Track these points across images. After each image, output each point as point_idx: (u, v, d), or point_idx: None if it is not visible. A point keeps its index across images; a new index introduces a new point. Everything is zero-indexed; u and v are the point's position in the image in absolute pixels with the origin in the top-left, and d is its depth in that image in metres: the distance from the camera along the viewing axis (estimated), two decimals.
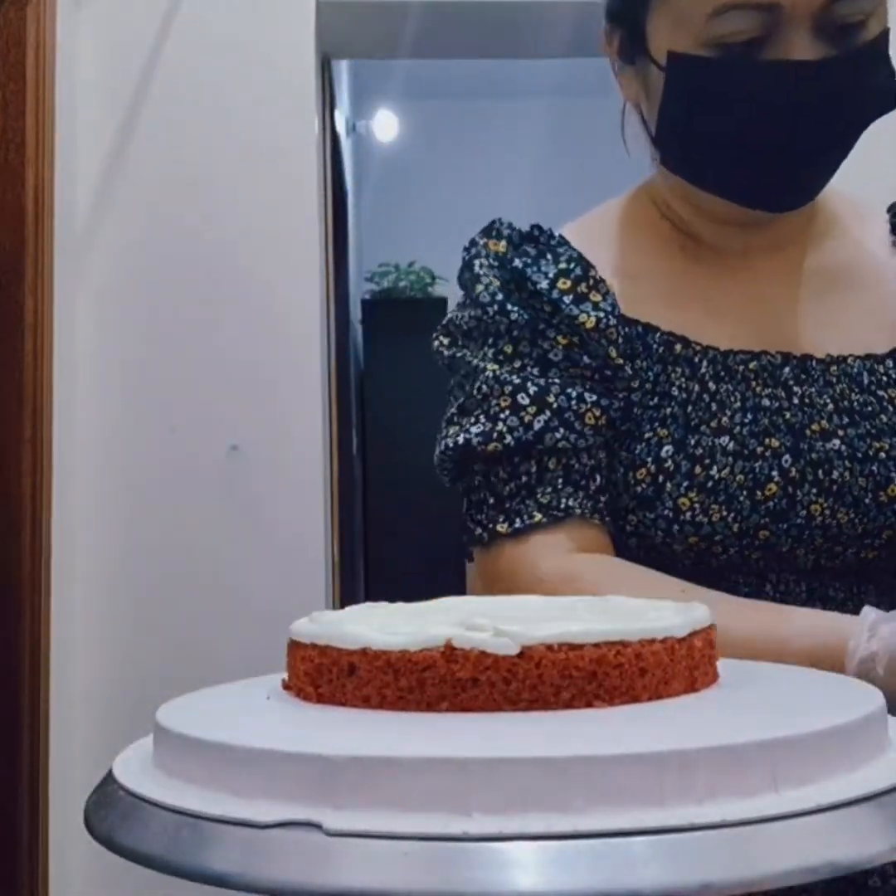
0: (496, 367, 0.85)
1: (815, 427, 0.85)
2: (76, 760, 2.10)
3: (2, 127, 1.98)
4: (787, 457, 0.83)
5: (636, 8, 0.85)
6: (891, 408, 0.87)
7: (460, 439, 0.84)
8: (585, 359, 0.85)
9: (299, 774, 0.38)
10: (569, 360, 0.85)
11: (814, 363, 0.88)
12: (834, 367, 0.88)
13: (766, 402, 0.85)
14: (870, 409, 0.86)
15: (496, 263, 0.89)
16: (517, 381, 0.83)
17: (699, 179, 0.88)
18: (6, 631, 1.90)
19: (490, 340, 0.86)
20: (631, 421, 0.85)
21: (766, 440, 0.83)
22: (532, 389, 0.83)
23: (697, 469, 0.82)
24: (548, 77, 4.35)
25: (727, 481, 0.82)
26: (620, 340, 0.85)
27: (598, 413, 0.83)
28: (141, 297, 2.26)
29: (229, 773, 0.39)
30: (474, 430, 0.83)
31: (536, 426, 0.82)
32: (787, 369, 0.87)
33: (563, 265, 0.87)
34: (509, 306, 0.86)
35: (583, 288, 0.86)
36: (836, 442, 0.84)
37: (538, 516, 0.82)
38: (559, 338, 0.85)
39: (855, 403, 0.86)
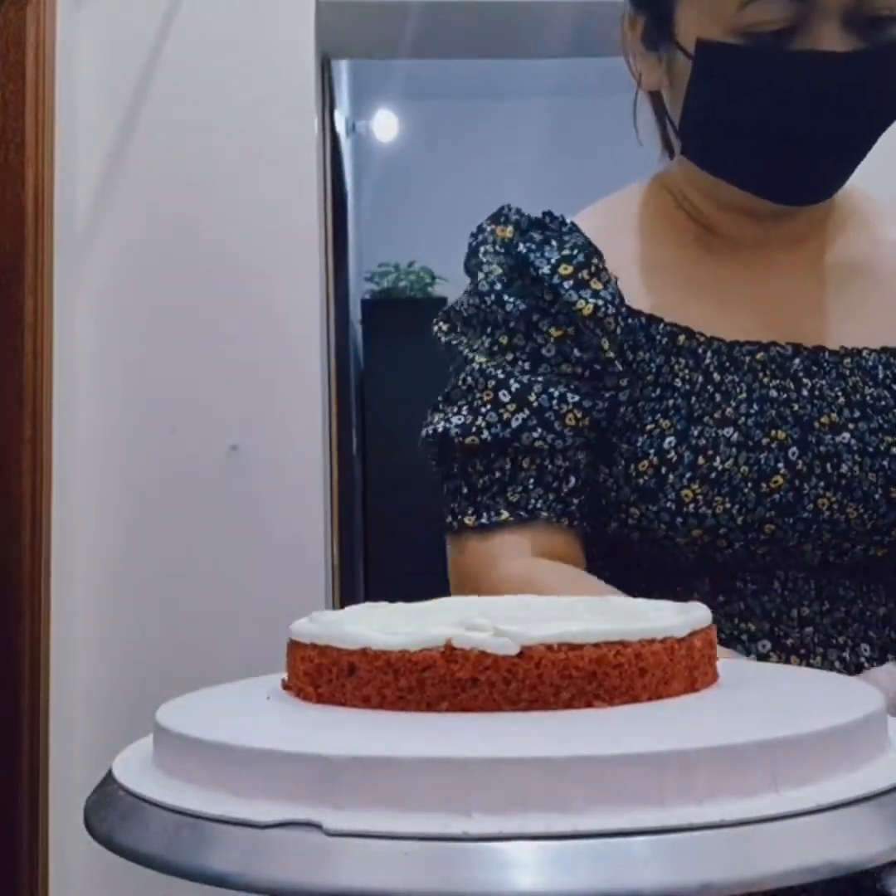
0: (484, 359, 0.86)
1: (824, 420, 0.84)
2: (76, 760, 2.10)
3: (2, 127, 1.98)
4: (793, 449, 0.82)
5: None
6: None
7: (440, 428, 0.85)
8: (576, 352, 0.85)
9: (299, 774, 0.38)
10: (560, 355, 0.85)
11: (826, 355, 0.87)
12: (847, 360, 0.87)
13: (773, 393, 0.84)
14: (883, 403, 0.85)
15: (502, 250, 0.89)
16: (501, 376, 0.84)
17: (721, 170, 0.87)
18: (6, 631, 1.90)
19: (487, 330, 0.87)
20: (630, 414, 0.85)
21: (773, 432, 0.82)
22: (514, 386, 0.84)
23: (700, 460, 0.82)
24: (548, 77, 4.35)
25: (731, 473, 0.81)
26: (618, 332, 0.85)
27: (579, 414, 0.83)
28: (141, 297, 2.26)
29: (229, 773, 0.39)
30: (455, 420, 0.84)
31: (514, 424, 0.83)
32: (797, 361, 0.86)
33: (566, 251, 0.87)
34: (506, 296, 0.86)
35: (584, 275, 0.86)
36: (846, 435, 0.83)
37: (505, 515, 0.83)
38: (552, 330, 0.85)
39: (868, 397, 0.85)
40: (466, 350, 0.87)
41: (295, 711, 0.47)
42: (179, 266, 2.27)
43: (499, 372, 0.84)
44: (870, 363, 0.87)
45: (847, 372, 0.86)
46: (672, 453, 0.82)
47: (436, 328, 0.91)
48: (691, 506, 0.81)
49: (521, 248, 0.88)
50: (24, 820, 1.89)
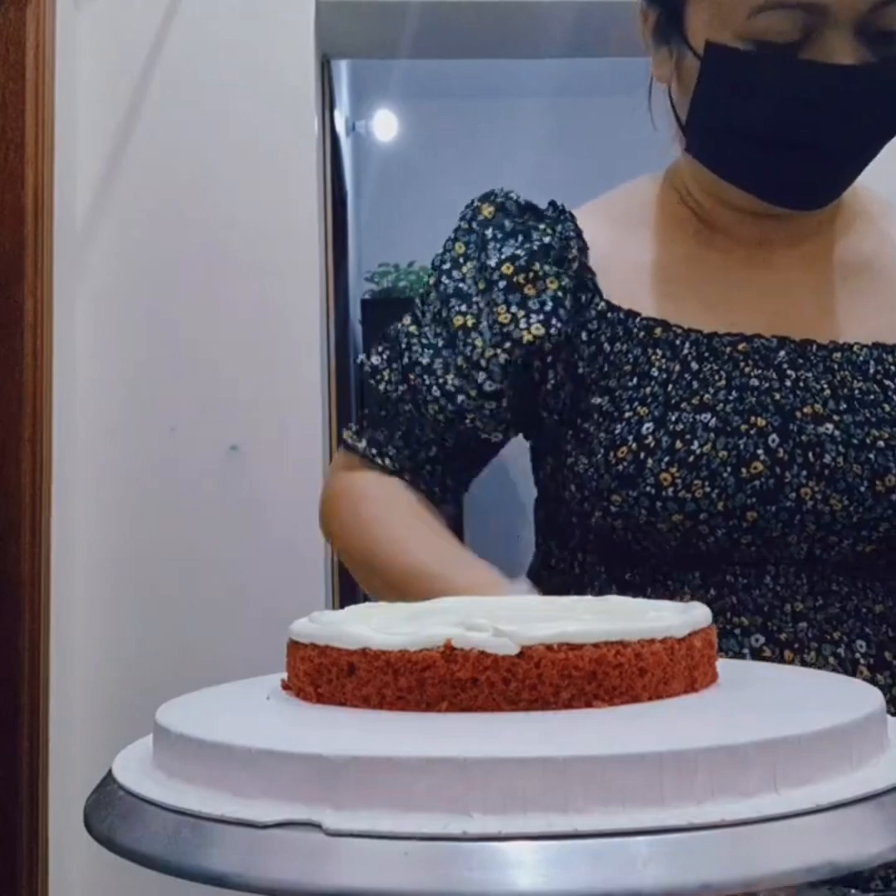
0: (409, 320, 0.93)
1: (807, 410, 0.84)
2: (76, 760, 2.10)
3: (1, 127, 1.98)
4: (773, 436, 0.82)
5: None
6: (895, 398, 0.86)
7: (359, 359, 0.95)
8: (478, 342, 0.89)
9: (299, 774, 0.38)
10: (450, 348, 0.90)
11: (814, 348, 0.87)
12: (837, 354, 0.87)
13: (754, 381, 0.85)
14: (872, 397, 0.85)
15: (477, 227, 0.93)
16: (403, 345, 0.91)
17: (723, 171, 0.88)
18: (6, 630, 1.90)
19: (417, 301, 0.93)
20: (610, 404, 0.86)
21: (751, 419, 0.83)
22: (407, 359, 0.91)
23: (678, 444, 0.82)
24: (548, 77, 4.35)
25: (709, 456, 0.81)
26: (519, 360, 0.88)
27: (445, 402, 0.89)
28: (141, 297, 2.26)
29: (229, 773, 0.39)
30: (373, 360, 0.93)
31: (403, 388, 0.91)
32: (782, 353, 0.86)
33: (516, 251, 0.90)
34: (444, 277, 0.92)
35: (520, 279, 0.88)
36: (830, 426, 0.83)
37: (363, 445, 0.93)
38: (456, 319, 0.89)
39: (856, 391, 0.85)
40: (407, 315, 0.94)
41: (295, 711, 0.47)
42: (179, 266, 2.27)
43: (403, 339, 0.92)
44: (860, 358, 0.87)
45: (835, 366, 0.86)
46: (650, 439, 0.83)
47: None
48: (670, 490, 0.81)
49: (487, 232, 0.91)
50: (24, 820, 1.89)
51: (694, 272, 0.90)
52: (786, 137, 0.81)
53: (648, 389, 0.85)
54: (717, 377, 0.85)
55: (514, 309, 0.88)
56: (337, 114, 3.04)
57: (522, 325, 0.87)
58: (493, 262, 0.89)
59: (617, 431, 0.84)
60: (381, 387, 0.92)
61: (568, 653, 0.43)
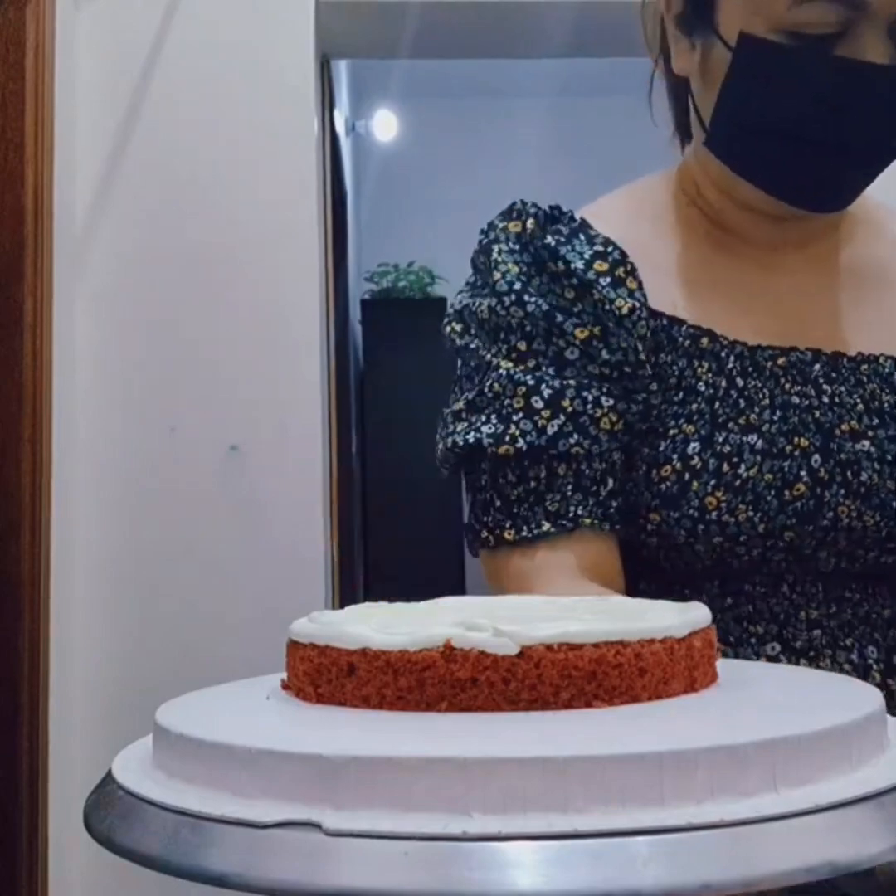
0: (510, 364, 0.82)
1: (844, 427, 0.83)
2: (76, 760, 2.10)
3: (1, 127, 1.98)
4: (816, 457, 0.81)
5: None
6: None
7: (471, 438, 0.81)
8: (604, 354, 0.82)
9: (299, 774, 0.38)
10: (586, 358, 0.82)
11: (844, 361, 0.86)
12: (864, 366, 0.86)
13: (795, 399, 0.83)
14: None
15: (516, 246, 0.85)
16: (531, 382, 0.81)
17: (743, 168, 0.86)
18: (6, 630, 1.90)
19: (502, 335, 0.83)
20: (653, 419, 0.83)
21: (795, 439, 0.81)
22: (547, 392, 0.80)
23: (725, 467, 0.80)
24: (548, 77, 4.35)
25: (755, 480, 0.79)
26: (648, 335, 0.83)
27: (614, 418, 0.81)
28: (140, 297, 2.26)
29: (229, 773, 0.39)
30: (486, 429, 0.80)
31: (550, 431, 0.79)
32: (816, 367, 0.85)
33: (599, 248, 0.85)
34: (526, 297, 0.83)
35: (620, 272, 0.83)
36: (866, 443, 0.82)
37: (546, 526, 0.80)
38: (577, 331, 0.82)
39: (885, 404, 0.85)
40: (487, 354, 0.83)
41: (295, 711, 0.47)
42: (178, 266, 2.27)
43: (528, 377, 0.81)
44: (886, 370, 0.86)
45: (864, 379, 0.85)
46: (696, 459, 0.80)
47: (448, 329, 0.87)
48: (714, 513, 0.79)
49: (550, 239, 0.85)
50: (24, 820, 1.89)
51: (711, 275, 0.88)
52: (813, 135, 0.80)
53: (695, 406, 0.82)
54: (761, 395, 0.83)
55: (629, 299, 0.83)
56: (337, 114, 3.04)
57: (644, 314, 0.83)
58: (580, 265, 0.83)
59: (661, 448, 0.82)
60: (520, 444, 0.79)
61: (568, 653, 0.43)
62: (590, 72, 3.83)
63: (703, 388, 0.83)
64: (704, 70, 0.84)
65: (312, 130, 2.36)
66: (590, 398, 0.81)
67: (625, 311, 0.82)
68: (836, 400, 0.84)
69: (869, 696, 0.46)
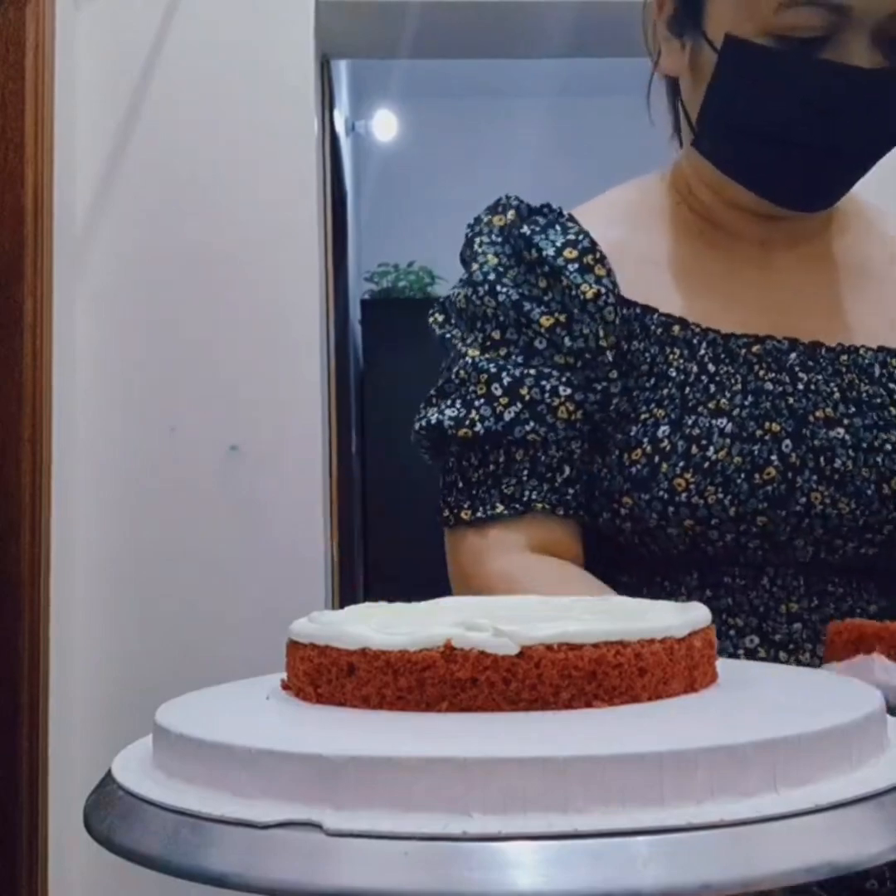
0: (477, 352, 0.86)
1: (818, 414, 0.83)
2: (76, 760, 2.10)
3: (1, 127, 1.98)
4: (787, 442, 0.82)
5: None
6: None
7: (434, 419, 0.85)
8: (567, 341, 0.85)
9: (299, 774, 0.38)
10: (552, 347, 0.85)
11: (823, 351, 0.87)
12: (844, 356, 0.87)
13: (768, 385, 0.84)
14: (879, 400, 0.85)
15: (499, 239, 0.89)
16: (494, 369, 0.84)
17: (730, 168, 0.87)
18: (6, 630, 1.90)
19: (478, 324, 0.87)
20: (625, 404, 0.85)
21: (767, 424, 0.82)
22: (506, 380, 0.84)
23: (694, 449, 0.81)
24: (548, 77, 4.35)
25: (724, 463, 0.81)
26: (616, 322, 0.85)
27: (571, 407, 0.84)
28: (140, 297, 2.26)
29: (229, 773, 0.39)
30: (448, 413, 0.85)
31: (507, 417, 0.83)
32: (793, 355, 0.86)
33: (571, 236, 0.87)
34: (499, 287, 0.86)
35: (588, 259, 0.86)
36: (840, 430, 0.83)
37: (500, 507, 0.83)
38: (543, 319, 0.85)
39: (864, 394, 0.85)
40: (460, 344, 0.88)
41: (295, 711, 0.47)
42: (178, 266, 2.27)
43: (491, 366, 0.85)
44: (866, 361, 0.87)
45: (843, 368, 0.86)
46: (665, 442, 0.82)
47: (432, 319, 0.91)
48: (684, 495, 0.81)
49: (525, 229, 0.88)
50: (24, 820, 1.89)
51: (701, 270, 0.90)
52: (798, 137, 0.81)
53: (665, 391, 0.84)
54: (732, 381, 0.84)
55: (596, 284, 0.85)
56: (337, 114, 3.04)
57: (610, 300, 0.85)
58: (551, 252, 0.86)
59: (632, 433, 0.84)
60: (478, 429, 0.83)
61: (568, 653, 0.43)
62: (590, 72, 3.83)
63: (673, 374, 0.85)
64: (692, 71, 0.86)
65: (312, 130, 2.36)
66: (548, 387, 0.84)
67: (589, 295, 0.85)
68: (812, 387, 0.85)
69: (869, 697, 0.46)
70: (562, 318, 0.85)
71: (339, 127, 3.34)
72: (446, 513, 0.86)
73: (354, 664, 0.45)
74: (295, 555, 2.24)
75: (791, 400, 0.84)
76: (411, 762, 0.36)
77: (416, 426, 0.87)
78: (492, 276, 0.87)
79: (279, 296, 2.28)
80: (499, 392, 0.84)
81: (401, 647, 0.44)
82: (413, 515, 4.40)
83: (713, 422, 0.82)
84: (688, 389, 0.84)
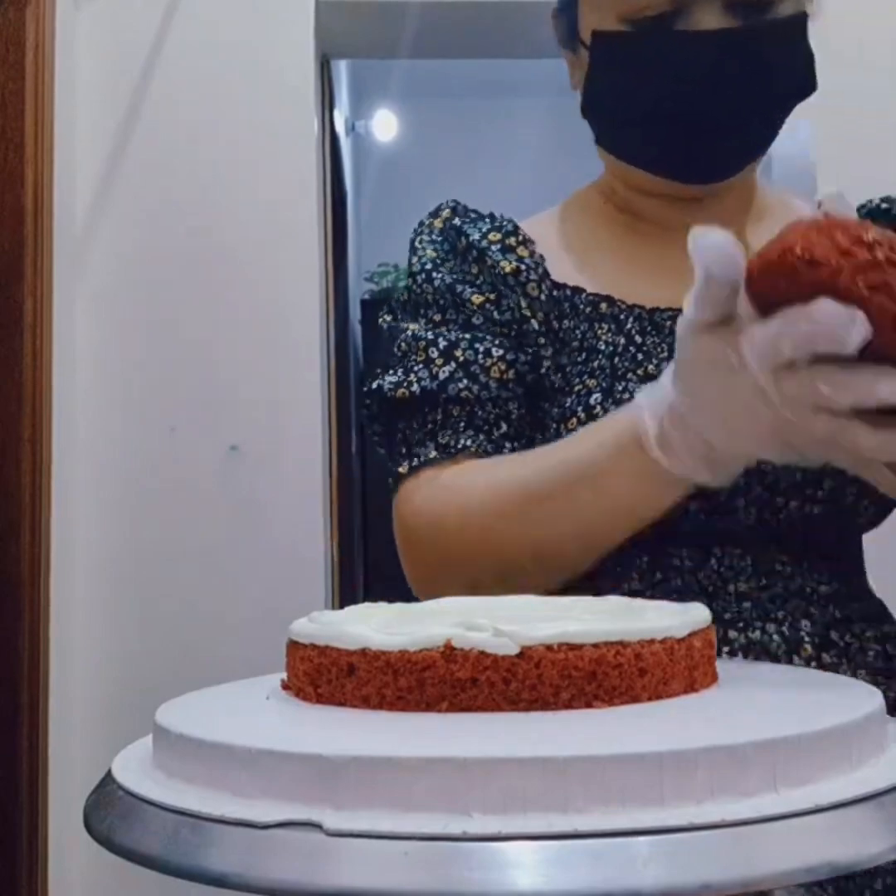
0: (417, 326, 0.91)
1: None
2: (76, 760, 2.10)
3: (1, 127, 1.98)
4: None
5: None
6: None
7: (374, 386, 0.89)
8: (496, 315, 0.89)
9: (299, 774, 0.38)
10: (487, 320, 0.90)
11: None
12: None
13: None
14: None
15: (439, 237, 0.95)
16: (431, 337, 0.89)
17: (624, 154, 0.92)
18: (6, 630, 1.90)
19: (421, 311, 0.92)
20: (558, 377, 0.88)
21: None
22: (443, 344, 0.88)
23: None
24: (548, 77, 4.34)
25: None
26: (541, 297, 0.89)
27: (503, 367, 0.87)
28: (140, 297, 2.26)
29: (229, 773, 0.39)
30: (388, 378, 0.89)
31: (442, 376, 0.87)
32: None
33: (496, 224, 0.94)
34: (435, 274, 0.92)
35: (511, 241, 0.92)
36: None
37: (433, 453, 0.86)
38: (475, 297, 0.90)
39: None
40: (403, 324, 0.92)
41: (295, 712, 0.47)
42: (179, 266, 2.27)
43: (429, 334, 0.89)
44: None
45: None
46: (598, 408, 0.85)
47: (381, 320, 0.96)
48: None
49: (457, 221, 0.95)
50: (24, 820, 1.89)
51: (627, 255, 0.94)
52: (671, 110, 0.85)
53: (596, 363, 0.88)
54: (659, 350, 0.88)
55: (516, 262, 0.90)
56: (337, 114, 3.04)
57: (532, 276, 0.90)
58: (476, 236, 0.92)
59: (567, 404, 0.86)
60: (414, 389, 0.87)
61: (568, 653, 0.43)
62: None
63: (603, 347, 0.88)
64: (583, 77, 0.92)
65: (312, 130, 2.36)
66: (481, 349, 0.88)
67: (508, 270, 0.90)
68: None
69: (869, 697, 0.46)
70: (491, 296, 0.90)
71: (339, 127, 3.34)
72: (390, 480, 0.90)
73: (354, 664, 0.45)
74: (295, 555, 2.24)
75: None
76: (411, 762, 0.36)
77: (359, 402, 0.90)
78: (428, 266, 0.93)
79: (279, 296, 2.28)
80: (435, 355, 0.88)
81: (401, 647, 0.44)
82: None
83: (642, 387, 0.84)
84: (616, 359, 0.87)
